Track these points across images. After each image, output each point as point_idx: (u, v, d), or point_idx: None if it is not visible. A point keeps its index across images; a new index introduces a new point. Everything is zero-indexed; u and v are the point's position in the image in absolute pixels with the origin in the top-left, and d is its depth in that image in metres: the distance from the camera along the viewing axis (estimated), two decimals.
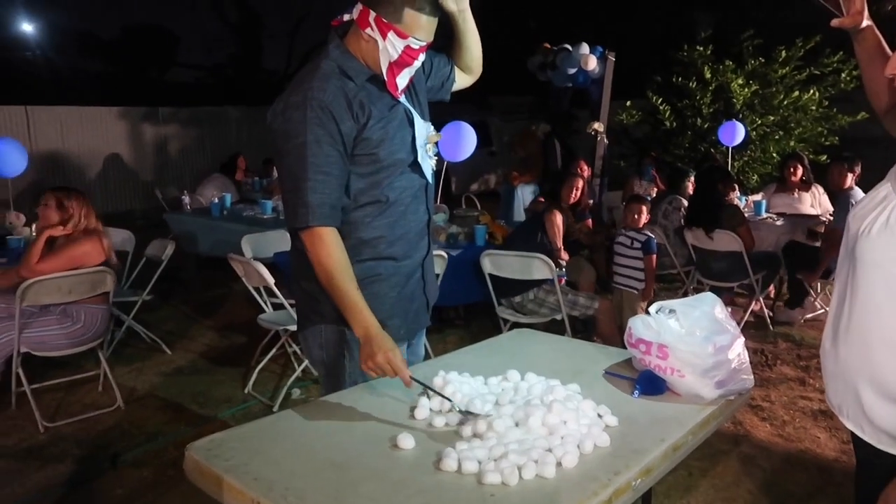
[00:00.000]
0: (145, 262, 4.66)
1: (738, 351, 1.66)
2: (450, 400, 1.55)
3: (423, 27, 1.67)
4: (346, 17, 1.73)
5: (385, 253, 1.80)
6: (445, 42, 1.96)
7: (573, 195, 5.16)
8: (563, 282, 4.28)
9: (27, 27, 19.65)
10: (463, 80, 2.02)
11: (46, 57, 19.79)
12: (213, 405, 3.75)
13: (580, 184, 5.32)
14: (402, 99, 1.78)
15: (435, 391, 1.58)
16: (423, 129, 1.82)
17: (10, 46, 19.27)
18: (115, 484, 2.92)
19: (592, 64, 7.50)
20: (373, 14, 1.64)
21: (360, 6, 1.68)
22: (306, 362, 3.85)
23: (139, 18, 25.68)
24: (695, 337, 1.65)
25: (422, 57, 1.72)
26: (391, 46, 1.65)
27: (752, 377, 1.69)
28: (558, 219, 4.27)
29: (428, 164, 1.84)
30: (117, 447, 3.23)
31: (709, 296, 1.77)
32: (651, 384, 1.68)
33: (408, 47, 1.66)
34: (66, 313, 3.54)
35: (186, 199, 6.97)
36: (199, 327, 5.21)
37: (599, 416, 1.51)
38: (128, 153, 12.99)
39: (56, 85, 17.05)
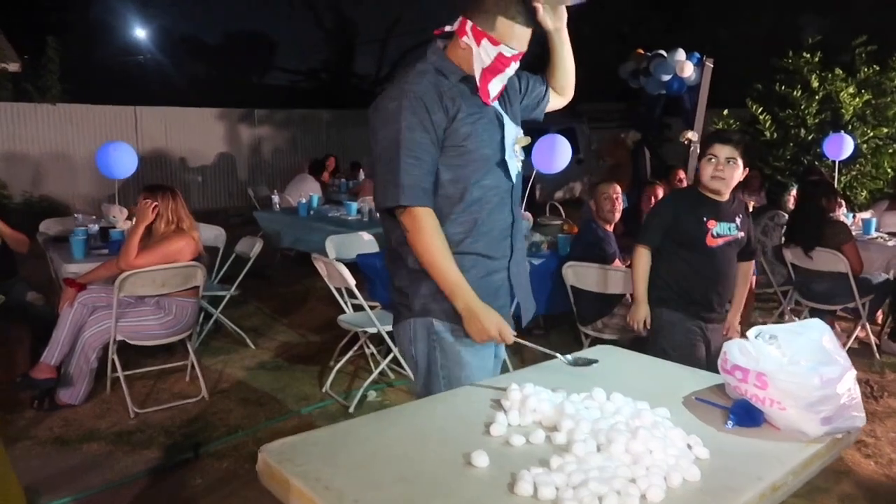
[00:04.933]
0: (234, 258, 4.82)
1: (849, 385, 1.50)
2: (556, 355, 1.64)
3: (515, 36, 1.75)
4: (448, 29, 1.83)
5: (471, 248, 1.84)
6: (540, 64, 2.06)
7: (651, 204, 4.99)
8: None
9: (140, 33, 20.95)
10: (556, 101, 2.10)
11: (156, 60, 21.02)
12: (292, 402, 3.82)
13: (659, 192, 5.13)
14: (495, 104, 1.85)
15: (539, 347, 1.69)
16: (512, 130, 1.88)
17: (124, 51, 20.60)
18: (196, 473, 3.01)
19: (689, 71, 7.23)
20: (469, 23, 1.75)
21: (460, 17, 1.78)
22: (383, 364, 3.86)
23: (241, 25, 26.94)
24: (799, 367, 1.51)
25: (514, 65, 1.79)
26: (484, 53, 1.74)
27: (863, 415, 1.53)
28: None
29: (514, 165, 1.88)
30: (200, 437, 3.34)
31: (816, 322, 1.61)
32: (747, 415, 1.55)
33: (500, 55, 1.75)
34: (159, 305, 3.69)
35: (276, 198, 7.20)
36: (282, 324, 5.35)
37: (689, 446, 1.40)
38: (225, 153, 13.62)
39: (163, 87, 18.09)
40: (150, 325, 3.67)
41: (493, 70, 1.76)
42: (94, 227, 4.83)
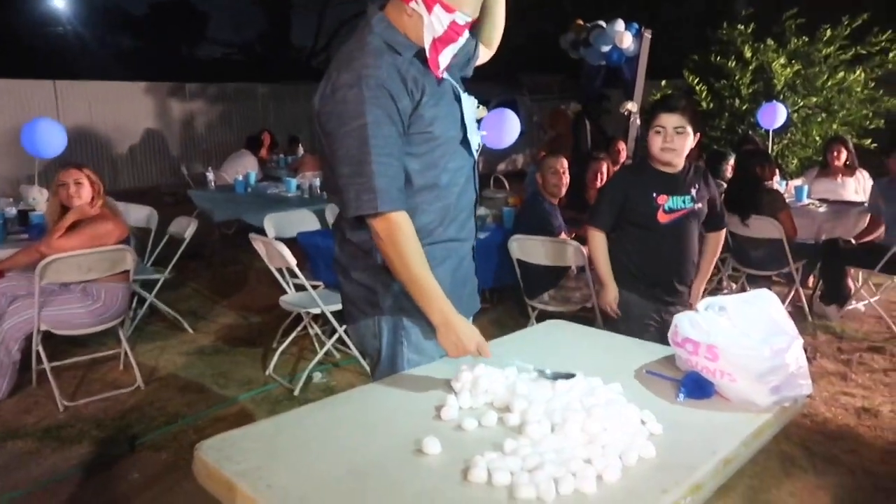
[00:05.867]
0: (168, 239, 4.61)
1: (797, 354, 1.52)
2: (531, 369, 1.57)
3: (469, 1, 1.59)
4: None
5: (443, 236, 1.74)
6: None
7: (598, 179, 5.02)
8: None
9: (58, 2, 19.72)
10: (484, 55, 1.95)
11: (76, 32, 19.88)
12: (234, 387, 3.68)
13: (604, 167, 5.17)
14: (448, 77, 1.71)
15: (518, 362, 1.61)
16: (469, 104, 1.75)
17: (41, 21, 19.38)
18: (133, 467, 2.87)
19: (627, 41, 7.25)
20: None
21: None
22: (328, 345, 3.77)
23: None
24: (749, 338, 1.51)
25: (466, 34, 1.64)
26: (437, 21, 1.57)
27: (810, 382, 1.55)
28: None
29: (475, 140, 1.77)
30: (136, 429, 3.19)
31: (764, 293, 1.62)
32: (698, 387, 1.55)
33: (453, 22, 1.58)
34: (86, 292, 3.49)
35: (211, 175, 6.93)
36: (221, 306, 5.17)
37: (643, 422, 1.38)
38: (155, 129, 13.04)
39: (85, 60, 17.14)
40: (78, 314, 3.46)
41: (444, 40, 1.59)
42: (12, 211, 4.53)
